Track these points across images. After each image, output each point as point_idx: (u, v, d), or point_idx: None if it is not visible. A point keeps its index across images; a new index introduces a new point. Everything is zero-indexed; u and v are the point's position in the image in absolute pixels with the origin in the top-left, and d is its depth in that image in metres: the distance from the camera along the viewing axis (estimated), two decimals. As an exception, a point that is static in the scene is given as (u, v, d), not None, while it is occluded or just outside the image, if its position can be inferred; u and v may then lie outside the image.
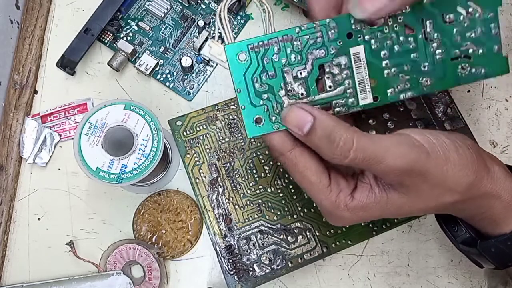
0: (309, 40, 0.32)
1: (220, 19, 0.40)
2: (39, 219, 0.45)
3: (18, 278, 0.44)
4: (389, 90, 0.33)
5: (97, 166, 0.37)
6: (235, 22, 0.49)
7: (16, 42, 0.48)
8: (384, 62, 0.33)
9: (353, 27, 0.32)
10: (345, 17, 0.32)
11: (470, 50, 0.33)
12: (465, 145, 0.33)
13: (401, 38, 0.32)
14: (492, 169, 0.33)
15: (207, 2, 0.50)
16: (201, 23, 0.48)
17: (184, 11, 0.49)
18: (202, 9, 0.50)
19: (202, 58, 0.48)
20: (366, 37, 0.32)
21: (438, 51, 0.33)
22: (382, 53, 0.32)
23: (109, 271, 0.43)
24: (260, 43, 0.32)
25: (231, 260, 0.42)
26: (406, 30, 0.32)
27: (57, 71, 0.48)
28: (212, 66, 0.49)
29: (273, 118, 0.33)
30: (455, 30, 0.32)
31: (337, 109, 0.33)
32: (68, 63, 0.46)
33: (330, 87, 0.33)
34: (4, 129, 0.46)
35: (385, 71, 0.33)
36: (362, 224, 0.44)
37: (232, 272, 0.42)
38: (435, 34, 0.32)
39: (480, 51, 0.33)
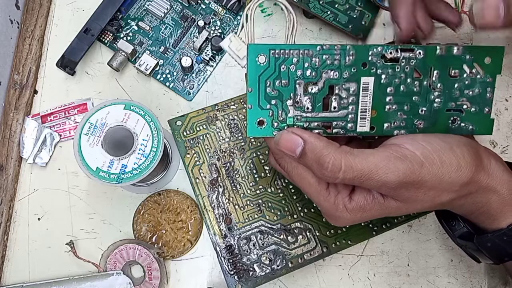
0: (327, 60, 0.33)
1: (247, 16, 0.41)
2: (39, 219, 0.45)
3: (18, 278, 0.44)
4: (385, 124, 0.35)
5: (97, 166, 0.37)
6: (235, 22, 0.49)
7: (16, 42, 0.48)
8: (388, 98, 0.34)
9: (370, 58, 0.34)
10: (364, 47, 0.33)
11: (465, 106, 0.35)
12: (461, 144, 0.33)
13: (408, 80, 0.34)
14: (488, 164, 0.34)
15: (207, 2, 0.50)
16: (201, 23, 0.48)
17: (184, 11, 0.49)
18: (202, 9, 0.50)
19: (202, 58, 0.48)
20: (379, 71, 0.34)
21: (437, 100, 0.35)
22: (389, 89, 0.34)
23: (109, 271, 0.43)
24: (282, 50, 0.33)
25: (231, 260, 0.42)
26: (414, 74, 0.34)
27: (57, 71, 0.48)
28: (212, 66, 0.49)
29: (275, 124, 0.34)
30: (456, 84, 0.35)
31: (335, 130, 0.34)
32: (68, 63, 0.46)
33: (334, 108, 0.34)
34: (4, 129, 0.46)
35: (387, 106, 0.34)
36: (362, 224, 0.44)
37: (232, 272, 0.42)
38: (439, 84, 0.34)
39: (473, 109, 0.35)
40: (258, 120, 0.34)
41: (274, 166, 0.37)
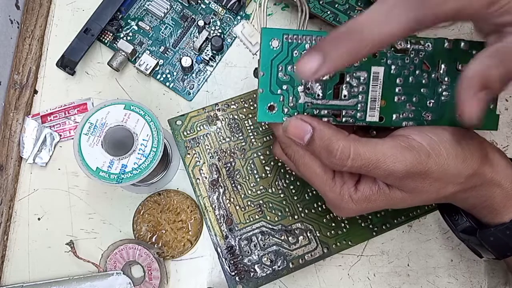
0: None
1: (260, 5, 0.42)
2: (39, 219, 0.45)
3: (18, 278, 0.44)
4: (394, 115, 0.35)
5: (97, 166, 0.37)
6: (235, 22, 0.49)
7: (16, 42, 0.48)
8: (397, 88, 0.35)
9: None
10: None
11: None
12: (467, 137, 0.33)
13: (417, 72, 0.34)
14: (493, 158, 0.34)
15: (207, 2, 0.50)
16: (201, 23, 0.48)
17: (184, 11, 0.49)
18: (202, 9, 0.50)
19: (202, 58, 0.48)
20: (389, 61, 0.34)
21: (444, 93, 0.35)
22: (398, 79, 0.34)
23: (109, 271, 0.43)
24: (295, 36, 0.33)
25: (232, 261, 0.42)
26: (423, 66, 0.34)
27: (57, 71, 0.48)
28: (212, 66, 0.49)
29: (286, 110, 0.34)
30: None
31: (344, 119, 0.34)
32: (68, 63, 0.46)
33: (345, 96, 0.34)
34: (4, 129, 0.46)
35: (396, 97, 0.35)
36: (363, 224, 0.44)
37: (233, 273, 0.42)
38: (446, 77, 0.35)
39: None
40: (268, 105, 0.34)
41: (280, 155, 0.37)
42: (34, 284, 0.42)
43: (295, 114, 0.34)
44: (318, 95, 0.34)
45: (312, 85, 0.34)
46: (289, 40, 0.33)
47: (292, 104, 0.34)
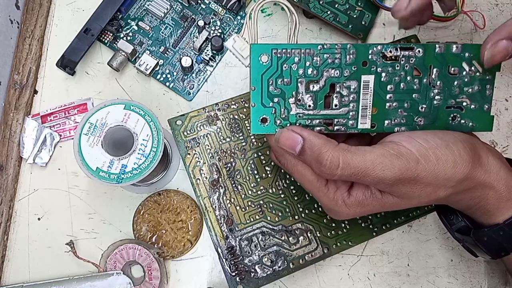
0: (328, 58, 0.34)
1: (250, 18, 0.42)
2: (39, 219, 0.45)
3: (18, 278, 0.44)
4: (386, 121, 0.35)
5: (97, 166, 0.37)
6: (235, 22, 0.49)
7: (16, 42, 0.48)
8: (388, 95, 0.35)
9: (370, 57, 0.34)
10: (365, 46, 0.34)
11: (464, 103, 0.35)
12: (457, 141, 0.34)
13: (408, 78, 0.35)
14: (486, 160, 0.34)
15: (207, 2, 0.50)
16: (201, 23, 0.48)
17: (184, 11, 0.49)
18: (202, 9, 0.50)
19: (202, 58, 0.48)
20: (379, 69, 0.34)
21: (437, 97, 0.35)
22: (389, 86, 0.35)
23: (109, 271, 0.43)
24: (284, 50, 0.34)
25: (233, 262, 0.42)
26: (414, 72, 0.35)
27: (57, 71, 0.48)
28: (212, 66, 0.49)
29: (278, 121, 0.35)
30: (456, 82, 0.35)
31: (336, 127, 0.35)
32: (68, 63, 0.46)
33: (336, 105, 0.35)
34: (4, 129, 0.46)
35: (387, 103, 0.35)
36: (363, 225, 0.44)
37: (234, 274, 0.42)
38: (438, 82, 0.35)
39: (472, 106, 0.36)
40: (261, 117, 0.35)
41: (276, 162, 0.38)
42: (34, 284, 0.42)
43: (287, 125, 0.35)
44: (309, 105, 0.34)
45: (303, 97, 0.34)
46: (278, 55, 0.34)
47: (284, 116, 0.35)
